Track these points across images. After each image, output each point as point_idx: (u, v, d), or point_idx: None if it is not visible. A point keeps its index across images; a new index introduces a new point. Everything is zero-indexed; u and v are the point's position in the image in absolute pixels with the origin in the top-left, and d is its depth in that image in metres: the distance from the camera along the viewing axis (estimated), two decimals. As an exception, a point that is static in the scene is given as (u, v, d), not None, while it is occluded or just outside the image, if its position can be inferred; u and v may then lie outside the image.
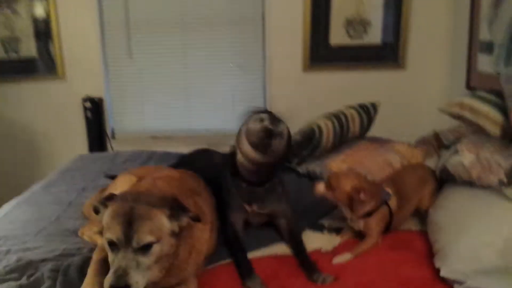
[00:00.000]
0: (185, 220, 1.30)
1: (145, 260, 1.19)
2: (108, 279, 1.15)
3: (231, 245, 1.62)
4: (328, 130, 2.26)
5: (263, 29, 3.25)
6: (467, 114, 1.74)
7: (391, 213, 1.66)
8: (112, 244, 1.19)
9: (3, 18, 3.24)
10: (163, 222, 1.25)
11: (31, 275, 1.41)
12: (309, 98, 3.29)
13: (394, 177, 1.85)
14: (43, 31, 3.26)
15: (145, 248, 1.19)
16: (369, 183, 1.69)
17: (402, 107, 3.25)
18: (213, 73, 3.37)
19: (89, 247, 1.60)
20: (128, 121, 3.49)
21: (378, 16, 3.18)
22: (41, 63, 3.31)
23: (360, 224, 1.64)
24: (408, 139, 2.47)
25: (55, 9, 3.22)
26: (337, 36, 3.22)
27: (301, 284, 1.44)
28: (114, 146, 3.43)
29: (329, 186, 1.64)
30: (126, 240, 1.17)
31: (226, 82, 3.39)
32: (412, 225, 1.79)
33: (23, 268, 1.44)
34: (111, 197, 1.29)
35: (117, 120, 3.49)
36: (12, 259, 1.49)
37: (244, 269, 1.49)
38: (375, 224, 1.63)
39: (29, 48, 3.28)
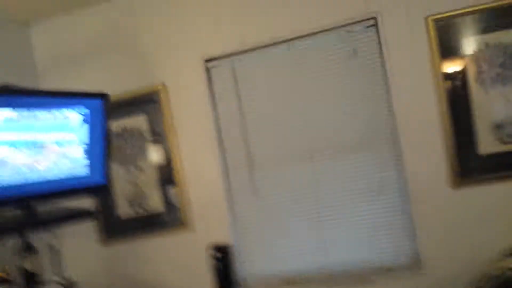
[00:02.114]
0: None
1: None
2: None
3: None
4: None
5: (398, 149, 2.93)
6: None
7: None
8: None
9: (129, 177, 3.26)
10: None
11: None
12: (463, 218, 2.80)
13: None
14: (166, 182, 3.23)
15: None
16: None
17: None
18: (348, 203, 3.05)
19: None
20: (259, 266, 3.21)
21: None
22: (167, 215, 3.25)
23: None
24: None
25: (175, 158, 3.20)
26: (487, 143, 2.81)
27: None
28: (248, 295, 3.14)
29: None
30: None
31: (364, 211, 3.03)
32: None
33: None
34: None
35: (247, 266, 3.22)
36: None
37: None
38: None
39: (155, 202, 3.25)
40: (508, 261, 1.92)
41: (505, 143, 2.79)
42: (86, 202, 3.22)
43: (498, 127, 2.79)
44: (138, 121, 3.27)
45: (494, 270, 1.93)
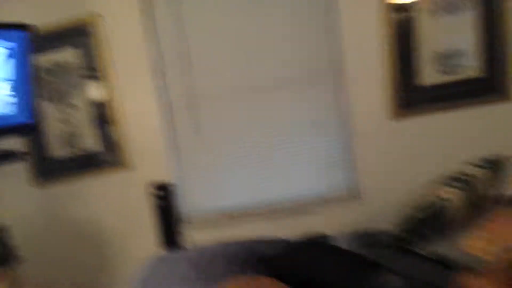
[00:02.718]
0: None
1: None
2: None
3: None
4: (455, 201, 1.80)
5: (340, 81, 2.87)
6: None
7: None
8: None
9: (61, 115, 3.11)
10: None
11: None
12: (403, 149, 2.84)
13: None
14: (103, 120, 3.08)
15: None
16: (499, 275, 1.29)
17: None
18: (289, 137, 3.01)
19: None
20: (201, 202, 3.18)
21: (471, 44, 2.71)
22: (105, 154, 3.12)
23: None
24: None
25: (113, 94, 3.04)
26: (427, 74, 2.78)
27: None
28: (190, 230, 3.12)
29: None
30: None
31: (304, 145, 3.01)
32: None
33: None
34: None
35: (190, 203, 3.19)
36: None
37: None
38: None
39: (91, 141, 3.11)
40: (440, 190, 1.93)
41: (447, 73, 2.76)
42: (16, 143, 3.09)
43: (444, 57, 2.74)
44: (71, 55, 3.05)
45: (427, 199, 1.94)
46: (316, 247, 1.70)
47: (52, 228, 3.25)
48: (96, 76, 3.05)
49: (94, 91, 3.06)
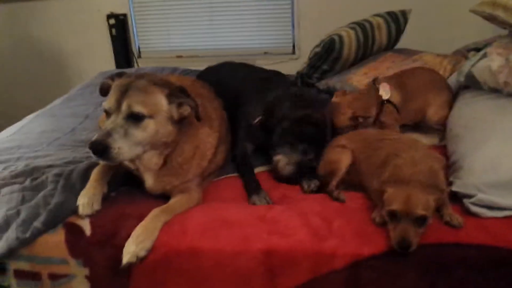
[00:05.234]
0: (186, 108, 1.28)
1: (136, 132, 1.19)
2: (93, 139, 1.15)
3: (239, 163, 1.60)
4: (350, 40, 2.09)
5: None
6: (500, 13, 1.53)
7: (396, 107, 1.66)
8: (107, 114, 1.22)
9: None
10: (160, 100, 1.25)
11: (35, 179, 1.41)
12: (341, 10, 3.05)
13: (400, 74, 1.81)
14: None
15: (136, 119, 1.19)
16: (361, 97, 1.68)
17: (438, 13, 2.97)
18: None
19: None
20: (153, 39, 3.43)
21: None
22: None
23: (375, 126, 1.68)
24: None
25: None
26: None
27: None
28: (140, 64, 3.40)
29: None
30: (117, 106, 1.19)
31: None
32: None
33: (29, 173, 1.45)
34: (120, 74, 1.33)
35: (142, 38, 3.43)
36: (20, 165, 1.51)
37: (251, 185, 1.46)
38: (385, 121, 1.66)
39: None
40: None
41: None
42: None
43: None
44: None
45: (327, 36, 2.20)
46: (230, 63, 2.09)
47: (14, 48, 3.48)
48: None
49: None
